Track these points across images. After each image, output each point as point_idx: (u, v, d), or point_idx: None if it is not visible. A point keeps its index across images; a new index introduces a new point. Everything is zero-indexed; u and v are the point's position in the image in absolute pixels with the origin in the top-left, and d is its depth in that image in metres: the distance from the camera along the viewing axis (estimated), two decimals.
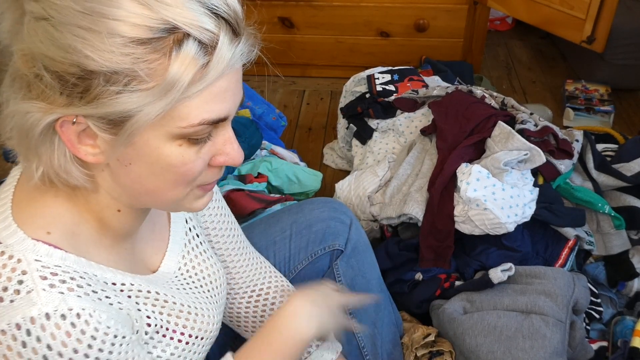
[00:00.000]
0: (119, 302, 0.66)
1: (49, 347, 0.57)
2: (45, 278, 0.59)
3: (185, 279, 0.82)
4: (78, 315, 0.59)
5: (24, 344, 0.57)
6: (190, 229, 0.86)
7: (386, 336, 1.16)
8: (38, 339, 0.57)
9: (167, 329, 0.73)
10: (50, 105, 0.56)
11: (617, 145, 1.64)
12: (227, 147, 0.64)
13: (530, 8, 2.08)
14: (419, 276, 1.38)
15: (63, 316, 0.58)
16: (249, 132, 1.73)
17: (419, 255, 1.40)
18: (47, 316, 0.57)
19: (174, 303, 0.75)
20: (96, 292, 0.63)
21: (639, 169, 1.46)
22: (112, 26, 0.53)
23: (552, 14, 2.01)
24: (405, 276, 1.39)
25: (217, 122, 0.60)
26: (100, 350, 0.60)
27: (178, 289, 0.79)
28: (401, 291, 1.38)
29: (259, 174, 1.68)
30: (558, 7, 1.98)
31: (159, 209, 0.79)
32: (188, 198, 0.67)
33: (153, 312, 0.71)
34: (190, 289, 0.81)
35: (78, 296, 0.60)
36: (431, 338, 1.22)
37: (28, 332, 0.57)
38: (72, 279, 0.61)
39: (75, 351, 0.58)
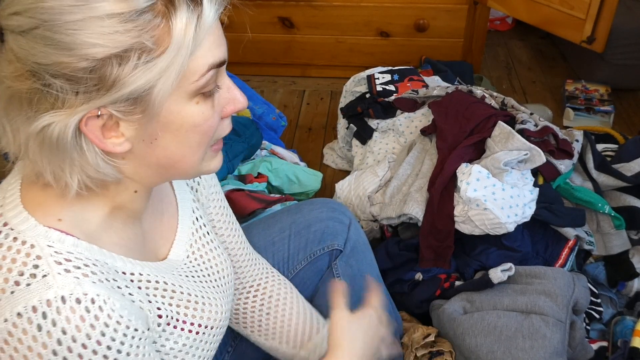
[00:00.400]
0: (131, 294, 0.66)
1: (63, 331, 0.57)
2: (60, 263, 0.59)
3: (193, 266, 0.82)
4: (92, 300, 0.59)
5: (39, 327, 0.57)
6: (197, 218, 0.87)
7: None
8: (53, 323, 0.57)
9: (177, 320, 0.73)
10: (70, 108, 0.56)
11: (617, 145, 1.64)
12: (232, 93, 0.67)
13: (530, 8, 2.08)
14: (419, 276, 1.38)
15: (78, 300, 0.58)
16: (249, 132, 1.73)
17: (419, 255, 1.40)
18: (63, 299, 0.57)
19: (182, 293, 0.75)
20: (109, 281, 0.63)
21: (639, 169, 1.46)
22: (106, 7, 0.53)
23: (552, 14, 2.01)
24: (405, 276, 1.39)
25: (220, 65, 0.62)
26: (112, 339, 0.60)
27: (187, 276, 0.79)
28: (401, 291, 1.38)
29: (259, 174, 1.68)
30: (558, 7, 1.98)
31: (181, 179, 0.81)
32: (206, 159, 0.69)
33: (163, 303, 0.71)
34: (199, 277, 0.81)
35: (93, 282, 0.60)
36: (431, 338, 1.22)
37: (44, 315, 0.57)
38: (85, 265, 0.61)
39: (89, 337, 0.58)
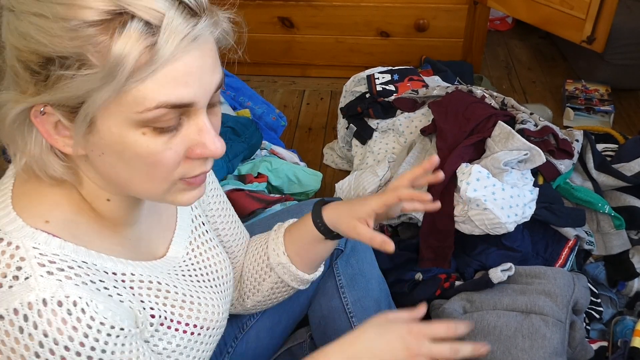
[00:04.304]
0: (119, 294, 0.65)
1: (45, 333, 0.57)
2: (43, 265, 0.59)
3: (192, 265, 0.81)
4: (75, 303, 0.59)
5: (21, 330, 0.57)
6: (195, 217, 0.86)
7: None
8: (35, 325, 0.57)
9: (171, 320, 0.72)
10: (22, 94, 0.58)
11: (617, 145, 1.64)
12: (202, 137, 0.61)
13: (530, 8, 2.08)
14: (419, 276, 1.38)
15: (60, 303, 0.58)
16: (249, 132, 1.73)
17: (419, 255, 1.40)
18: (44, 302, 0.57)
19: (176, 293, 0.74)
20: (94, 283, 0.63)
21: (639, 169, 1.46)
22: (59, 10, 0.54)
23: (552, 13, 2.01)
24: (405, 276, 1.39)
25: (179, 107, 0.58)
26: (96, 340, 0.60)
27: (184, 276, 0.79)
28: (401, 291, 1.38)
29: (259, 174, 1.68)
30: (558, 7, 1.98)
31: (145, 199, 0.73)
32: (172, 192, 0.65)
33: (157, 303, 0.71)
34: (196, 276, 0.81)
35: (76, 284, 0.60)
36: None
37: (25, 318, 0.57)
38: (69, 267, 0.61)
39: (71, 339, 0.58)
